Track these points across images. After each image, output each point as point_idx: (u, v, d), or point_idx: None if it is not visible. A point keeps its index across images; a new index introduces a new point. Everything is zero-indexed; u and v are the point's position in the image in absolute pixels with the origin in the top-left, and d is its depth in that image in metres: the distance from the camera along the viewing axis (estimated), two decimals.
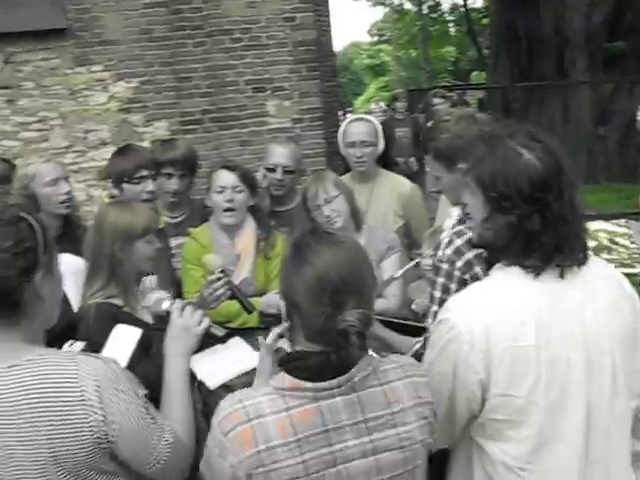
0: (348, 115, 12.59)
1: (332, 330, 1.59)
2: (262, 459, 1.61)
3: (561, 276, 1.85)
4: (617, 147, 12.93)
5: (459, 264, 2.28)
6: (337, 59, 14.42)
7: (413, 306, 3.34)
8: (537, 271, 1.84)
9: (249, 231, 3.47)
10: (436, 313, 2.32)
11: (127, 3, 6.74)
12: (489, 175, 1.85)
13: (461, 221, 2.42)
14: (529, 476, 1.87)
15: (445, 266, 2.32)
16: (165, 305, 2.33)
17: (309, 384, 1.64)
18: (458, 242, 2.29)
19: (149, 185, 3.45)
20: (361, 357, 1.67)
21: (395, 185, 3.97)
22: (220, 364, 2.41)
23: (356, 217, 3.47)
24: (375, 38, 49.84)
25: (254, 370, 3.35)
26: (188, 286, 3.44)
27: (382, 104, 20.32)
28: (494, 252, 1.97)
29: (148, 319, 2.69)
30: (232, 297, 2.94)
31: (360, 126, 3.94)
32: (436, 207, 3.97)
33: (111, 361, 1.79)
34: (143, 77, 6.87)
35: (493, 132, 2.01)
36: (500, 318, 1.81)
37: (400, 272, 3.08)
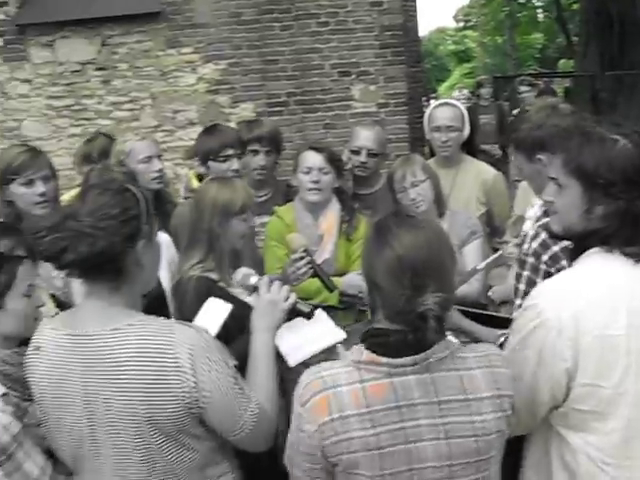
0: (432, 101, 12.45)
1: (411, 312, 1.60)
2: (335, 427, 1.65)
3: None
4: None
5: (545, 257, 2.27)
6: (422, 44, 14.29)
7: (489, 293, 3.34)
8: (637, 258, 1.81)
9: (333, 212, 3.50)
10: (520, 306, 2.30)
11: None
12: (592, 163, 1.82)
13: (546, 213, 2.40)
14: (614, 471, 1.83)
15: (531, 259, 2.31)
16: (253, 280, 2.37)
17: (384, 359, 1.66)
18: (544, 235, 2.27)
19: (234, 163, 3.53)
20: (439, 340, 1.68)
21: (479, 172, 3.95)
22: (302, 340, 2.45)
23: (440, 203, 3.47)
24: (461, 24, 49.12)
25: (333, 347, 3.45)
26: (270, 263, 3.51)
27: (466, 91, 20.07)
28: (586, 242, 1.90)
29: (242, 296, 2.76)
30: (314, 275, 3.00)
31: (446, 111, 3.93)
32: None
33: (204, 331, 1.88)
34: (231, 59, 7.02)
35: (580, 123, 1.99)
36: (590, 305, 1.78)
37: (484, 263, 3.08)
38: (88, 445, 1.84)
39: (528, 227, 3.13)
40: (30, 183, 2.93)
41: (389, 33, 6.97)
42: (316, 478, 1.76)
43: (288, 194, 3.85)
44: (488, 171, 4.01)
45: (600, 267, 1.84)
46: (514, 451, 2.01)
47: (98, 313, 1.82)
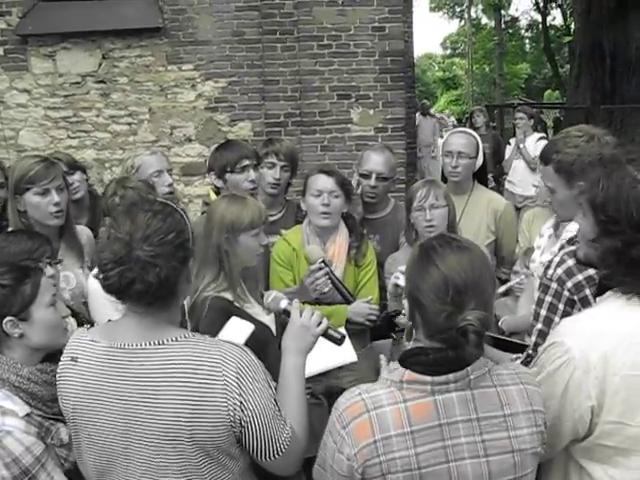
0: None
1: (452, 328, 1.64)
2: (377, 449, 1.67)
3: None
4: None
5: (569, 284, 2.28)
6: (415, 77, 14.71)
7: (500, 323, 3.34)
8: None
9: (341, 237, 3.49)
10: (540, 331, 2.34)
11: (220, 5, 6.93)
12: (602, 198, 1.88)
13: (571, 241, 2.41)
14: None
15: (554, 285, 2.31)
16: (283, 304, 2.36)
17: (428, 378, 1.69)
18: (570, 262, 2.28)
19: (251, 174, 3.53)
20: (477, 357, 1.71)
21: (490, 201, 3.97)
22: (314, 356, 2.42)
23: (452, 232, 3.47)
24: (448, 51, 49.60)
25: (339, 370, 3.43)
26: (275, 287, 3.46)
27: (452, 118, 20.25)
28: (603, 275, 1.97)
29: (258, 315, 2.74)
30: (332, 286, 3.00)
31: (461, 137, 3.97)
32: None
33: (249, 350, 1.86)
34: (231, 78, 7.04)
35: (614, 156, 2.03)
36: (619, 346, 1.80)
37: (503, 288, 3.09)
38: (119, 461, 1.82)
39: (537, 256, 3.14)
40: (45, 193, 2.92)
41: (389, 58, 7.00)
42: None
43: (298, 216, 3.84)
44: (499, 201, 4.04)
45: (621, 308, 1.87)
46: None
47: (141, 327, 1.81)
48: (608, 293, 1.93)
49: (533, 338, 2.38)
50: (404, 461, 1.66)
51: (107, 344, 1.83)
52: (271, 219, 3.85)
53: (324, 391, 3.57)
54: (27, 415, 2.02)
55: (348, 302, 3.07)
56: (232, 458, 1.84)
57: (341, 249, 3.47)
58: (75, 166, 4.00)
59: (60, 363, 1.92)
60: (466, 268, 1.70)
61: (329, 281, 3.02)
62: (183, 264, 1.79)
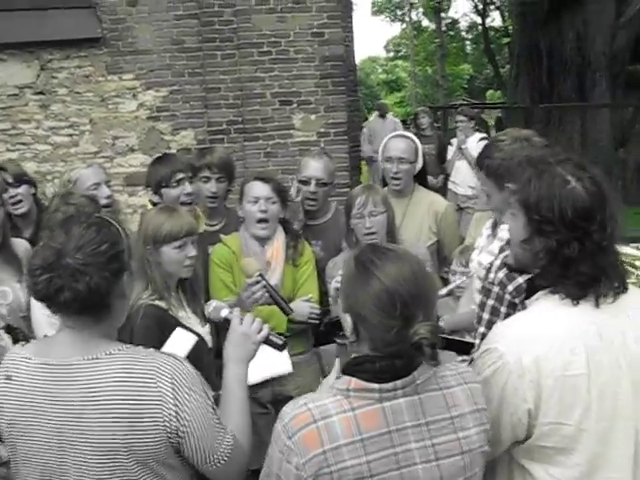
0: (364, 130, 12.79)
1: (402, 342, 1.63)
2: (327, 459, 1.65)
3: (597, 305, 1.87)
4: (637, 170, 12.96)
5: (510, 288, 2.32)
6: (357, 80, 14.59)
7: (440, 323, 3.41)
8: (575, 298, 1.87)
9: (279, 240, 3.54)
10: (483, 335, 2.36)
11: (159, 14, 6.90)
12: (534, 198, 1.88)
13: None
14: None
15: (496, 289, 2.36)
16: (224, 313, 2.37)
17: (375, 385, 1.68)
18: None
19: (187, 187, 3.54)
20: (421, 362, 1.71)
21: (431, 202, 4.03)
22: (251, 365, 2.45)
23: (392, 237, 3.52)
24: (391, 54, 49.97)
25: (283, 376, 3.45)
26: (216, 290, 3.49)
27: (397, 120, 20.39)
28: (532, 277, 2.00)
29: (193, 326, 2.76)
30: (270, 299, 3.03)
31: (400, 143, 4.01)
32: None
33: (185, 360, 1.88)
34: (172, 86, 7.01)
35: (542, 157, 2.06)
36: (551, 348, 1.83)
37: (445, 290, 3.15)
38: (56, 477, 1.81)
39: (475, 256, 3.22)
40: None
41: (330, 63, 7.06)
42: None
43: (239, 223, 3.85)
44: (440, 202, 4.11)
45: (552, 309, 1.90)
46: None
47: (76, 343, 1.81)
48: (538, 294, 1.95)
49: (477, 341, 2.42)
50: (356, 469, 1.65)
51: (41, 361, 1.82)
52: (212, 229, 3.88)
53: (271, 399, 3.60)
54: None
55: (286, 313, 3.09)
56: (172, 469, 1.84)
57: (279, 251, 3.52)
58: (21, 179, 3.94)
59: None
60: (409, 279, 1.69)
61: (267, 294, 3.05)
62: (116, 276, 1.79)
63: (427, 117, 9.68)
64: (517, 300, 2.28)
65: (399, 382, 1.69)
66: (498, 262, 2.39)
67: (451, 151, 8.73)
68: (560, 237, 1.84)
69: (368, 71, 47.80)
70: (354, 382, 1.70)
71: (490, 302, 2.38)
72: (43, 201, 4.00)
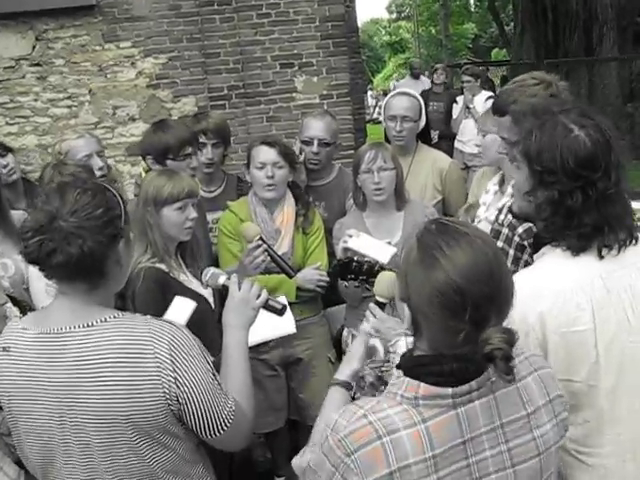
0: (369, 93, 12.49)
1: (471, 350, 1.42)
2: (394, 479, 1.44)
3: (600, 256, 1.82)
4: None
5: (520, 230, 2.28)
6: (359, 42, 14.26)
7: None
8: (577, 251, 1.83)
9: (289, 206, 3.50)
10: None
11: None
12: (535, 148, 1.84)
13: None
14: (587, 459, 1.86)
15: (505, 231, 2.31)
16: (222, 279, 2.33)
17: (449, 390, 1.46)
18: None
19: (193, 161, 3.44)
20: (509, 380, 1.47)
21: (435, 160, 3.97)
22: (254, 326, 2.41)
23: (399, 196, 3.46)
24: (394, 15, 49.45)
25: (293, 339, 3.42)
26: (225, 260, 3.47)
27: (408, 89, 20.20)
28: (537, 228, 1.96)
29: (195, 288, 2.73)
30: (272, 262, 2.99)
31: (403, 101, 3.94)
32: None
33: (184, 327, 1.84)
34: (171, 53, 6.87)
35: (546, 106, 2.00)
36: (555, 304, 1.79)
37: None
38: (58, 450, 1.79)
39: (482, 212, 3.15)
40: None
41: (330, 24, 6.91)
42: None
43: (240, 189, 3.80)
44: (444, 159, 4.04)
45: (556, 264, 1.86)
46: None
47: (71, 311, 1.77)
48: (543, 249, 1.91)
49: None
50: None
51: (37, 331, 1.79)
52: (211, 195, 3.84)
53: (279, 361, 3.59)
54: None
55: (289, 276, 3.06)
56: (175, 438, 1.81)
57: (289, 218, 3.48)
58: (6, 148, 3.91)
59: None
60: (484, 274, 1.44)
61: (268, 257, 3.01)
62: (111, 241, 1.75)
63: (444, 75, 9.60)
64: (526, 242, 2.25)
65: (474, 383, 1.47)
66: (509, 204, 2.33)
67: (456, 110, 8.63)
68: (562, 187, 1.80)
69: (371, 33, 47.43)
70: (423, 388, 1.47)
71: (499, 244, 2.32)
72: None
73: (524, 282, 1.85)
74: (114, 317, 1.77)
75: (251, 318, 2.15)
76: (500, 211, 2.39)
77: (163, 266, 2.80)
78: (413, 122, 3.89)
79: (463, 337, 1.42)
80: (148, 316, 1.83)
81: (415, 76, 11.97)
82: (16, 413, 1.83)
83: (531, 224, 2.21)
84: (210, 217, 3.72)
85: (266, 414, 3.50)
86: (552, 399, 1.60)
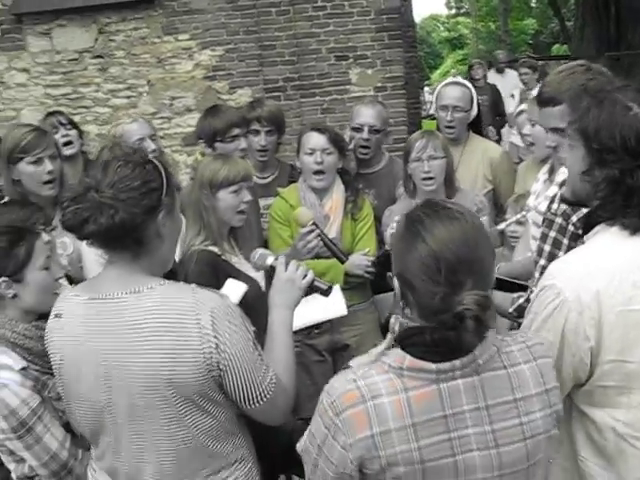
0: (425, 89, 12.34)
1: (448, 310, 1.48)
2: (376, 443, 1.53)
3: None
4: None
5: (574, 218, 2.23)
6: (416, 37, 14.08)
7: (495, 269, 3.35)
8: (636, 229, 1.79)
9: (338, 193, 3.52)
10: (543, 267, 2.27)
11: None
12: (594, 127, 1.80)
13: None
14: None
15: (559, 220, 2.27)
16: (270, 260, 2.37)
17: (432, 365, 1.53)
18: None
19: (242, 143, 3.54)
20: (476, 344, 1.55)
21: (486, 150, 3.97)
22: (305, 308, 2.45)
23: (450, 185, 3.46)
24: (453, 11, 48.97)
25: (341, 325, 3.46)
26: (275, 245, 3.52)
27: (459, 78, 20.01)
28: (590, 211, 1.92)
29: (247, 270, 2.78)
30: (324, 248, 3.03)
31: (455, 90, 3.95)
32: None
33: (226, 296, 1.90)
34: (228, 45, 7.01)
35: (600, 85, 1.97)
36: (610, 282, 1.75)
37: (504, 224, 3.09)
38: (106, 414, 1.85)
39: (531, 201, 3.14)
40: (38, 162, 2.95)
41: (385, 16, 6.94)
42: None
43: (292, 176, 3.85)
44: (495, 149, 4.04)
45: (611, 243, 1.82)
46: None
47: (119, 278, 1.84)
48: (597, 228, 1.87)
49: (537, 274, 2.34)
50: (405, 455, 1.52)
51: (87, 297, 1.86)
52: (264, 181, 3.90)
53: (327, 347, 3.63)
54: (23, 369, 2.08)
55: (341, 261, 3.10)
56: (216, 405, 1.85)
57: (338, 204, 3.51)
58: (75, 125, 4.11)
59: (48, 322, 1.96)
60: (458, 241, 1.52)
61: (321, 242, 3.05)
62: (148, 214, 1.79)
63: (482, 69, 9.54)
64: (580, 231, 2.20)
65: (458, 362, 1.54)
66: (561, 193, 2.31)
67: (512, 103, 8.56)
68: (623, 166, 1.76)
69: (429, 29, 47.01)
70: (409, 360, 1.56)
71: (552, 234, 2.29)
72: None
73: (577, 261, 1.85)
74: (160, 285, 1.83)
75: (297, 298, 2.18)
76: (552, 200, 2.34)
77: (216, 249, 2.85)
78: (464, 112, 3.89)
79: (440, 299, 1.49)
80: (194, 285, 1.88)
81: (499, 70, 10.97)
82: (66, 377, 1.90)
83: (585, 211, 2.18)
84: (262, 203, 3.78)
85: (312, 399, 3.53)
86: (549, 389, 1.63)
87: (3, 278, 2.14)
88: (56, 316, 1.91)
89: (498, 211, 3.93)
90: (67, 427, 2.13)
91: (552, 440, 1.65)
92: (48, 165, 2.95)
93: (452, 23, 46.71)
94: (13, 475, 2.22)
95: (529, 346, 1.65)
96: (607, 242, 1.83)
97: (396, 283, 1.64)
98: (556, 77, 2.54)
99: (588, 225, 1.94)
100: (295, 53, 6.93)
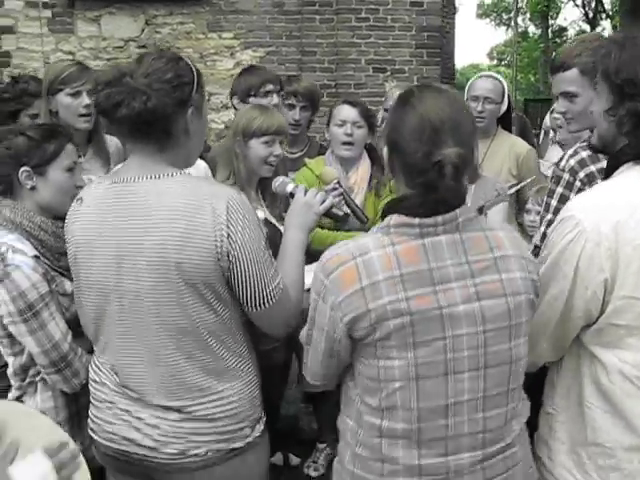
0: None
1: (430, 169, 1.61)
2: (365, 296, 1.61)
3: None
4: None
5: (581, 175, 2.27)
6: (455, 77, 14.18)
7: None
8: None
9: (364, 167, 3.56)
10: (550, 221, 2.32)
11: None
12: (615, 65, 1.81)
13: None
14: None
15: (566, 176, 2.30)
16: (290, 187, 2.42)
17: (416, 220, 1.64)
18: (583, 154, 2.29)
19: (274, 99, 3.62)
20: (462, 201, 1.69)
21: (513, 145, 3.98)
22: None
23: (474, 172, 3.49)
24: (494, 61, 49.32)
25: None
26: None
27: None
28: (615, 152, 1.90)
29: (270, 219, 2.83)
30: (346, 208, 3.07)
31: (487, 82, 3.99)
32: None
33: (244, 194, 1.94)
34: (269, 47, 7.17)
35: (623, 34, 2.00)
36: (631, 215, 1.73)
37: (511, 190, 3.11)
38: (112, 298, 1.87)
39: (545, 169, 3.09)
40: (77, 94, 3.03)
41: (426, 34, 7.08)
42: (331, 357, 1.75)
43: (321, 153, 3.91)
44: (522, 145, 4.04)
45: (635, 179, 1.81)
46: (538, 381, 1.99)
47: (142, 167, 1.88)
48: (622, 167, 1.85)
49: (542, 228, 2.36)
50: (394, 306, 1.59)
51: (110, 181, 1.91)
52: (293, 156, 3.95)
53: None
54: (35, 257, 2.13)
55: (362, 222, 3.12)
56: (220, 301, 1.86)
57: (363, 178, 3.54)
58: None
59: (70, 208, 2.00)
60: (442, 107, 1.67)
61: (343, 201, 3.09)
62: (178, 106, 1.84)
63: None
64: (587, 188, 2.22)
65: (440, 218, 1.65)
66: (571, 151, 2.34)
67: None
68: None
69: (469, 76, 47.25)
70: (394, 218, 1.67)
71: (559, 190, 2.32)
72: None
73: (600, 194, 1.84)
74: (181, 174, 1.88)
75: (313, 222, 2.21)
76: (561, 158, 2.39)
77: (243, 195, 2.91)
78: (495, 104, 3.93)
79: (422, 155, 1.62)
80: (213, 179, 1.91)
81: None
82: (80, 261, 1.92)
83: (593, 168, 2.23)
84: (291, 176, 3.84)
85: None
86: (525, 257, 1.75)
87: (25, 168, 2.19)
88: (78, 200, 1.96)
89: (522, 207, 3.95)
90: (68, 325, 2.17)
91: (532, 307, 1.74)
92: (85, 99, 3.02)
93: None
94: (9, 370, 2.25)
95: (503, 228, 1.82)
96: (631, 178, 1.82)
97: (386, 153, 1.77)
98: (568, 46, 2.62)
99: (612, 167, 1.92)
100: (334, 61, 7.07)
